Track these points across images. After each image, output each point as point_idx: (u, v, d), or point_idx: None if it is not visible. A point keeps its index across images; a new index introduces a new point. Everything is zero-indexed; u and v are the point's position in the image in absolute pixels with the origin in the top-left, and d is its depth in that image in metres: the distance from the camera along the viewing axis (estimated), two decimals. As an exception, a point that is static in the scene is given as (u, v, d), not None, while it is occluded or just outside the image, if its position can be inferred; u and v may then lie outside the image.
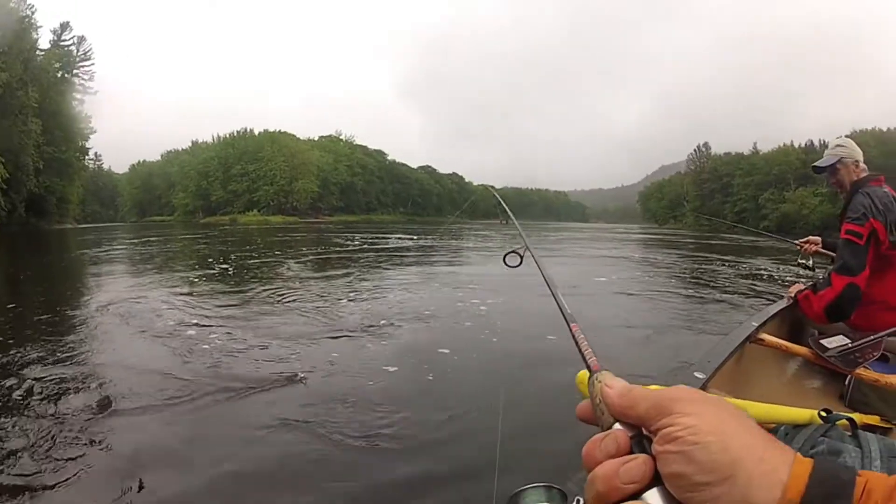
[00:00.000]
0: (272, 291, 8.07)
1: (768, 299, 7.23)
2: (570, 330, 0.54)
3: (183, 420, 3.26)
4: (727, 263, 14.25)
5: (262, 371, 4.20)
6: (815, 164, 2.78)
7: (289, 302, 7.18)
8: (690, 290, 9.37)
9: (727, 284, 10.01)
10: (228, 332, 5.37)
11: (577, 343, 0.51)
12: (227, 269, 11.62)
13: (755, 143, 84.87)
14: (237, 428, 3.17)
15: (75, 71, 49.96)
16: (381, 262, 13.88)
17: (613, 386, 0.39)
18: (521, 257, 1.09)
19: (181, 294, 7.73)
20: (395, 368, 4.36)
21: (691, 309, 7.56)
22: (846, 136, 2.68)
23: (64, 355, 4.54)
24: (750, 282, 10.47)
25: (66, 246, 21.23)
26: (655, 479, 0.34)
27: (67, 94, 47.87)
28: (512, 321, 6.22)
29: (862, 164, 2.66)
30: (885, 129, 60.40)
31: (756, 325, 2.58)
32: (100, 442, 2.91)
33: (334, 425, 3.20)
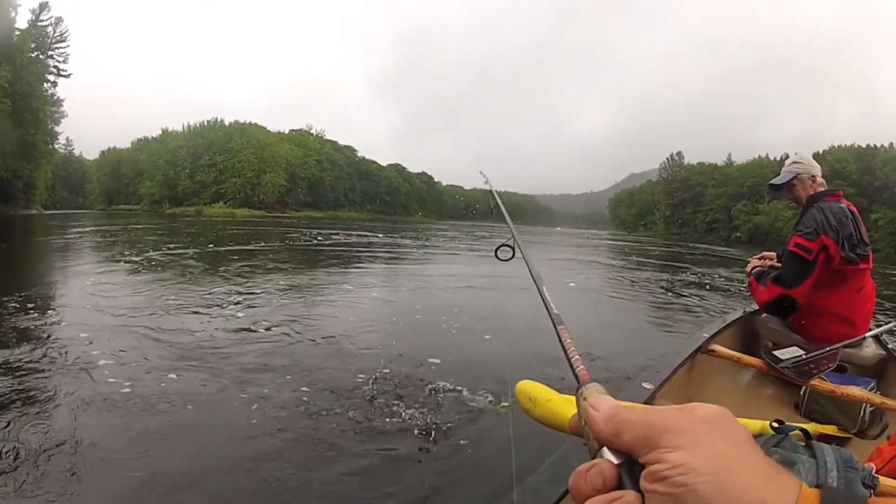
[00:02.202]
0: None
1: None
2: (557, 333, 0.52)
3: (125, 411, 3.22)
4: (693, 273, 14.58)
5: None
6: (772, 181, 2.82)
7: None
8: (655, 297, 9.68)
9: (691, 293, 10.21)
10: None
11: (564, 349, 0.48)
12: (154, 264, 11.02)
13: (729, 155, 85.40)
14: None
15: (50, 52, 48.87)
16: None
17: (599, 408, 0.36)
18: (513, 250, 1.15)
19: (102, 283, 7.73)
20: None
21: (655, 316, 7.79)
22: (802, 154, 2.83)
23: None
24: (712, 292, 10.62)
25: (24, 232, 21.27)
26: None
27: (40, 75, 46.75)
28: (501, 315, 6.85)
29: (819, 179, 2.67)
30: (863, 146, 60.60)
31: (707, 336, 2.57)
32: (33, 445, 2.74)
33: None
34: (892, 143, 58.80)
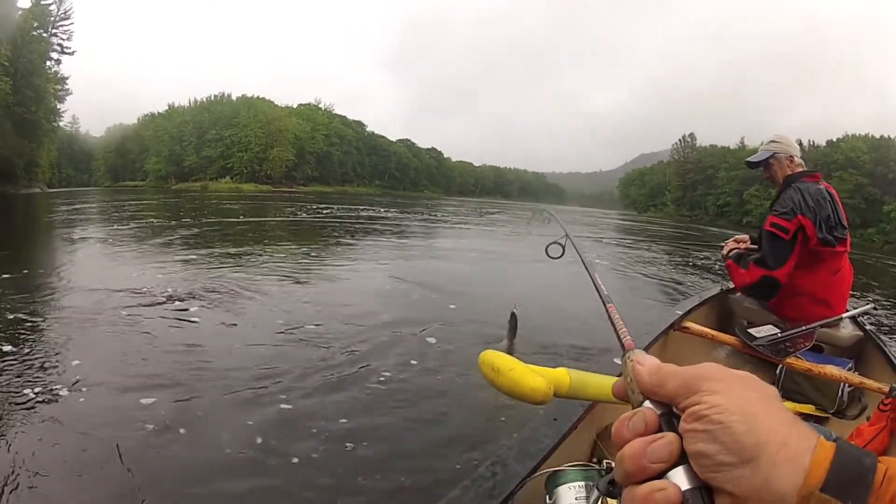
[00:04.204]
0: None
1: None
2: (607, 310, 0.59)
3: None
4: (701, 256, 14.80)
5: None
6: (748, 159, 2.83)
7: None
8: (663, 277, 9.97)
9: (698, 274, 10.53)
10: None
11: (612, 322, 0.55)
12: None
13: (742, 138, 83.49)
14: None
15: (53, 30, 48.48)
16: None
17: (644, 364, 0.39)
18: (563, 248, 1.17)
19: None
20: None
21: (660, 295, 8.10)
22: (782, 133, 2.80)
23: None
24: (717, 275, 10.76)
25: (10, 214, 20.37)
26: (682, 458, 0.34)
27: (43, 53, 46.52)
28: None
29: (797, 160, 2.67)
30: (877, 136, 59.17)
31: (681, 313, 2.60)
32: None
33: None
34: (905, 135, 56.94)
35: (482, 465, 1.18)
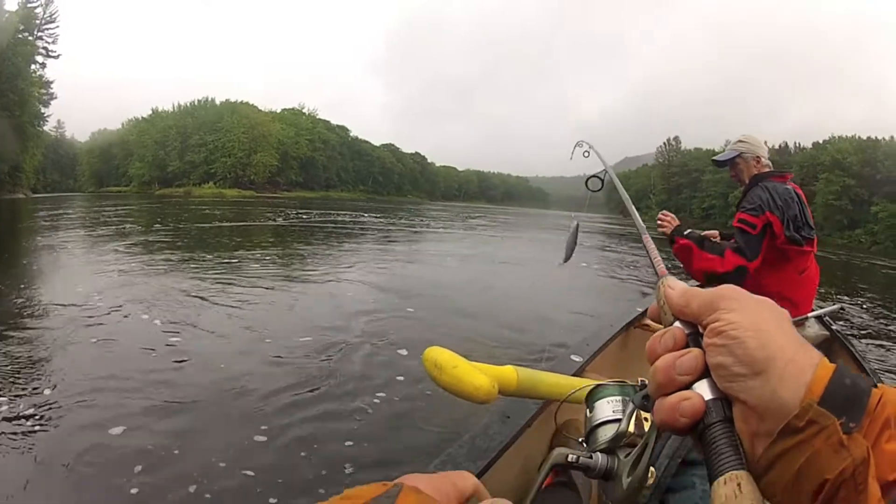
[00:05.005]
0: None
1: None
2: (643, 240, 0.63)
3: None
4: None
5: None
6: (714, 157, 2.86)
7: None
8: (641, 279, 10.16)
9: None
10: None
11: (647, 251, 0.59)
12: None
13: (727, 141, 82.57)
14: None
15: (39, 33, 47.92)
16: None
17: (675, 287, 0.44)
18: (602, 181, 1.24)
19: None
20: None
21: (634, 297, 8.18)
22: (749, 133, 2.76)
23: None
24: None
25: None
26: (705, 372, 0.38)
27: (28, 56, 45.69)
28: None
29: (764, 160, 2.66)
30: (864, 138, 59.46)
31: (640, 310, 2.58)
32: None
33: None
34: (892, 136, 57.29)
35: (430, 464, 1.15)
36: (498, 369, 1.05)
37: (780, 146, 71.98)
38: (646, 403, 0.43)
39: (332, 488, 2.49)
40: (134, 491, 2.43)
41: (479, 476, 1.05)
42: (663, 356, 0.40)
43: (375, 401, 3.54)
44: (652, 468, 0.50)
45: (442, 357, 1.00)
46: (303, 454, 2.83)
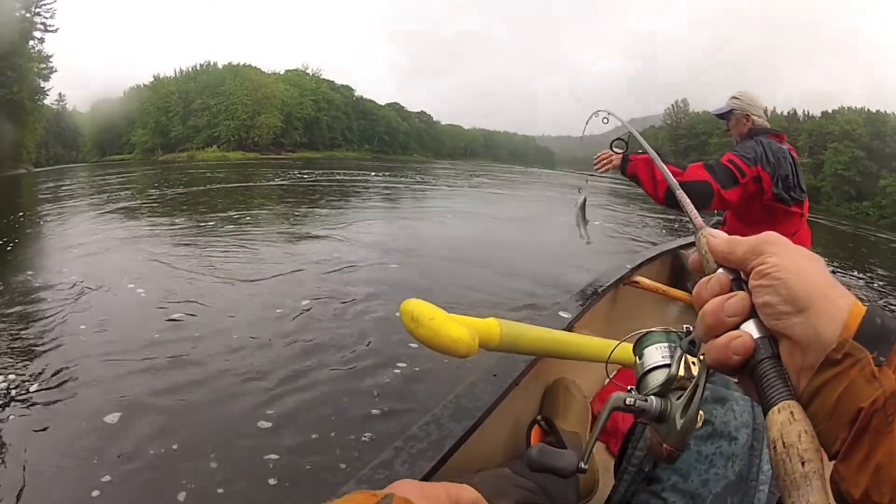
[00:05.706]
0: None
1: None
2: (677, 196, 0.65)
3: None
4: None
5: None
6: (713, 110, 2.91)
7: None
8: (642, 238, 10.11)
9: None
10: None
11: (683, 206, 0.62)
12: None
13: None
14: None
15: (36, 9, 46.97)
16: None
17: (717, 236, 0.46)
18: (626, 143, 1.19)
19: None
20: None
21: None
22: (745, 91, 2.71)
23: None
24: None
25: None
26: (752, 313, 0.41)
27: (26, 33, 45.43)
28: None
29: (757, 120, 2.62)
30: (874, 111, 57.89)
31: (631, 267, 2.55)
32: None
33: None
34: (902, 111, 55.41)
35: (415, 425, 1.09)
36: (479, 321, 1.02)
37: (788, 112, 69.94)
38: (692, 348, 0.46)
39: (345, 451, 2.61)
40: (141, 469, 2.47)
41: (465, 438, 1.04)
42: (711, 300, 0.42)
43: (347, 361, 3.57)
44: (701, 412, 0.52)
45: (419, 309, 0.97)
46: (311, 417, 2.89)
